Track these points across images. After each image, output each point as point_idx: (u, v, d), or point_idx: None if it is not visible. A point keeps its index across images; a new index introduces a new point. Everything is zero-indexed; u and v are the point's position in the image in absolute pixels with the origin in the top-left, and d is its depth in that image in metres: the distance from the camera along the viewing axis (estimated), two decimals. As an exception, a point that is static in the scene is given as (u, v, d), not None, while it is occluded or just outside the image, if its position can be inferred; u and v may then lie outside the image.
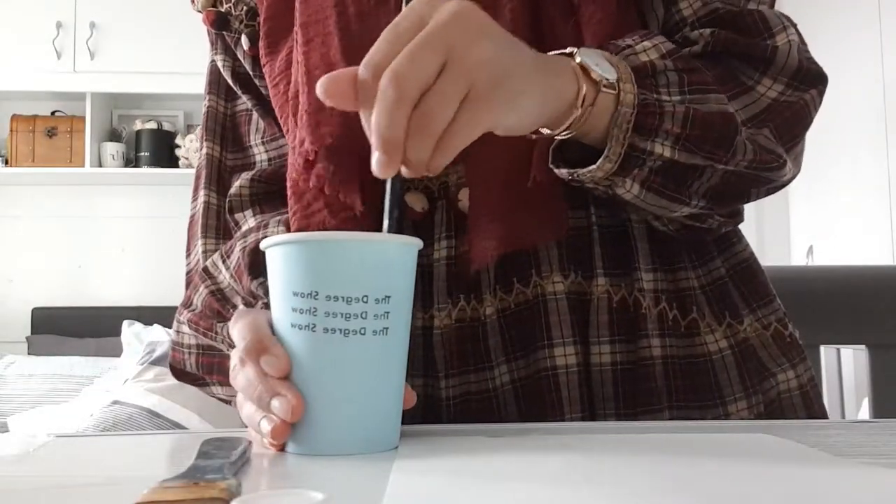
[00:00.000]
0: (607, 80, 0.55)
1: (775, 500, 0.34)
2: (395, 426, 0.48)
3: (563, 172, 0.59)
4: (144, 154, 3.21)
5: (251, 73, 0.76)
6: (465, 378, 0.63)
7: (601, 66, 0.55)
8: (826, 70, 0.65)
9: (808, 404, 0.68)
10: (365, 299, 0.45)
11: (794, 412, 0.68)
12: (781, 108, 0.62)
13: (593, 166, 0.57)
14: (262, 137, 0.78)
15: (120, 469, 0.46)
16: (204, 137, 0.79)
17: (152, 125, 3.24)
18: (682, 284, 0.66)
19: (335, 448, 0.46)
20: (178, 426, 2.08)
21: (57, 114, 3.25)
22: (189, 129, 3.35)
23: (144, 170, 3.21)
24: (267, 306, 0.56)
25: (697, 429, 0.53)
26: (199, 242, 0.77)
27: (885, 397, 0.96)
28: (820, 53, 0.67)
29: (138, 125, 3.26)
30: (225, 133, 0.79)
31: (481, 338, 0.64)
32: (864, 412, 1.22)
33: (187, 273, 0.78)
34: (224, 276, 0.73)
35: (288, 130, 0.69)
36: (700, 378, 0.65)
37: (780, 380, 0.68)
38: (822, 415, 0.70)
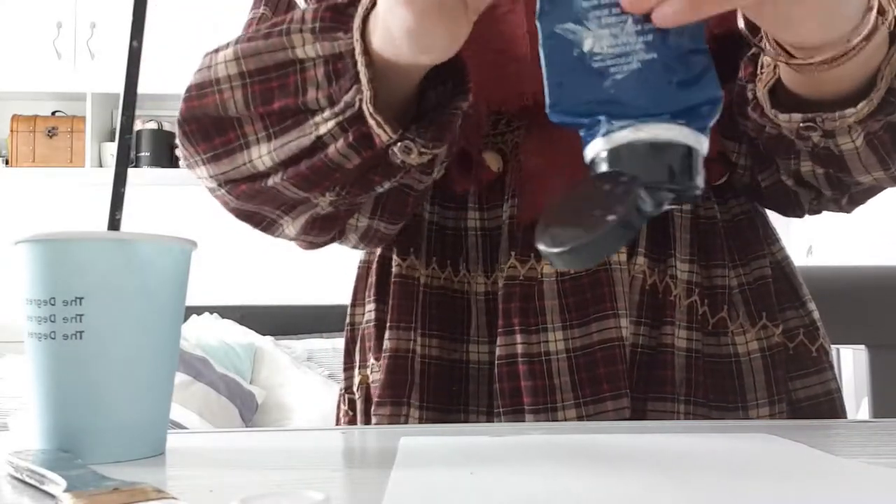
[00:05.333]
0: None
1: (775, 499, 0.34)
2: (135, 434, 0.44)
3: (795, 117, 0.52)
4: (144, 154, 3.21)
5: None
6: (518, 338, 0.62)
7: None
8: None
9: (832, 415, 0.67)
10: (52, 302, 0.43)
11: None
12: None
13: (853, 109, 0.50)
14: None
15: (120, 469, 0.46)
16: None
17: (152, 125, 3.24)
18: (716, 281, 0.65)
19: (80, 456, 0.42)
20: (178, 426, 2.08)
21: (57, 114, 3.25)
22: (189, 129, 3.35)
23: (144, 170, 3.21)
24: None
25: (698, 428, 0.53)
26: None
27: (885, 397, 0.96)
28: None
29: (138, 125, 3.25)
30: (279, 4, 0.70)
31: (536, 297, 0.63)
32: (864, 412, 1.22)
33: None
34: None
35: None
36: (723, 379, 0.64)
37: (799, 385, 0.66)
38: None
